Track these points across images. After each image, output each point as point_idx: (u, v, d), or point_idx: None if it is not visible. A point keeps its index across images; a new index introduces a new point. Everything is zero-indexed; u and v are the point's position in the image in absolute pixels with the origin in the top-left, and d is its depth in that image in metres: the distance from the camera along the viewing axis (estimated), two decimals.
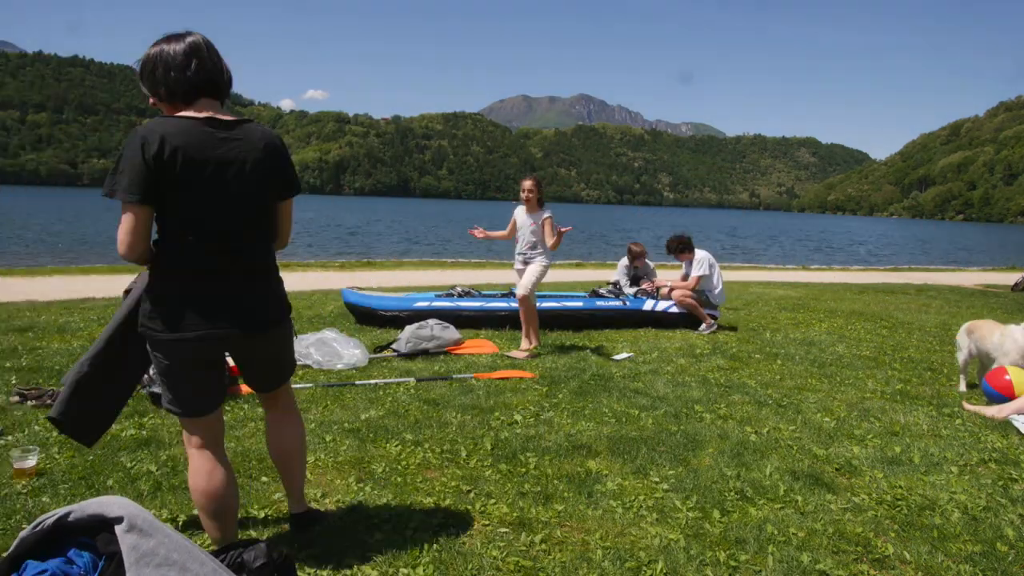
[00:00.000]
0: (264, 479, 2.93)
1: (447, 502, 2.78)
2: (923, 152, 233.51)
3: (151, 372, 3.94)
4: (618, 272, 8.01)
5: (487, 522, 2.60)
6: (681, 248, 6.98)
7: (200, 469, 2.16)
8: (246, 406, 3.90)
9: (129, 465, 3.01)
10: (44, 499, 2.65)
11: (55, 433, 3.35)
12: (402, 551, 2.35)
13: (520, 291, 5.54)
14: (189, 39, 2.03)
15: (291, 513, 2.51)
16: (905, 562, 2.39)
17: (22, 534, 1.61)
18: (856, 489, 3.00)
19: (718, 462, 3.25)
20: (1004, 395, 4.29)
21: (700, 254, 6.93)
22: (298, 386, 4.34)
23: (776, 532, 2.55)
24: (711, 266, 6.87)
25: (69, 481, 2.82)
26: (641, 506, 2.75)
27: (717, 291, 6.93)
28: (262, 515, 2.60)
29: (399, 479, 2.99)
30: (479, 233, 5.92)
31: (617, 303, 6.85)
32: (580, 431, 3.66)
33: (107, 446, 3.22)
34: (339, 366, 4.88)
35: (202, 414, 2.15)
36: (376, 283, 10.08)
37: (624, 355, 5.58)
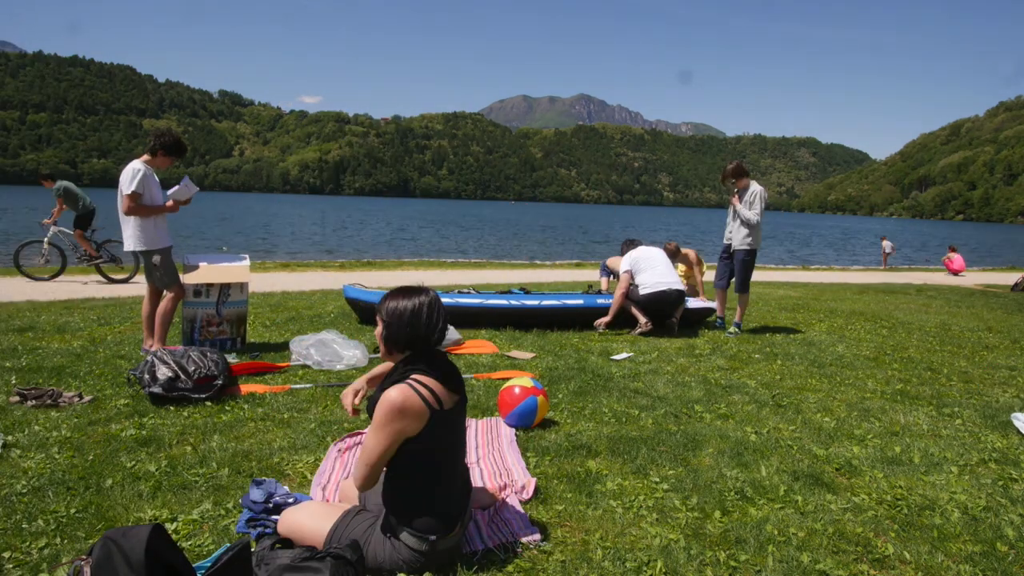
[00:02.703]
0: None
1: None
2: (923, 152, 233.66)
3: (151, 372, 3.94)
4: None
5: None
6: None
7: None
8: (246, 406, 3.90)
9: (129, 465, 3.00)
10: (45, 499, 2.65)
11: (55, 433, 3.36)
12: None
13: None
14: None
15: None
16: (905, 562, 2.39)
17: None
18: (856, 489, 3.00)
19: (718, 462, 3.25)
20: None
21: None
22: (298, 386, 4.35)
23: (776, 532, 2.55)
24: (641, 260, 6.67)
25: (69, 481, 2.81)
26: (641, 506, 2.75)
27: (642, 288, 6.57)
28: None
29: None
30: None
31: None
32: (580, 431, 3.66)
33: (107, 446, 3.22)
34: (339, 367, 4.88)
35: None
36: (376, 283, 10.08)
37: (624, 355, 5.58)
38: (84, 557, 1.83)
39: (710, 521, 2.63)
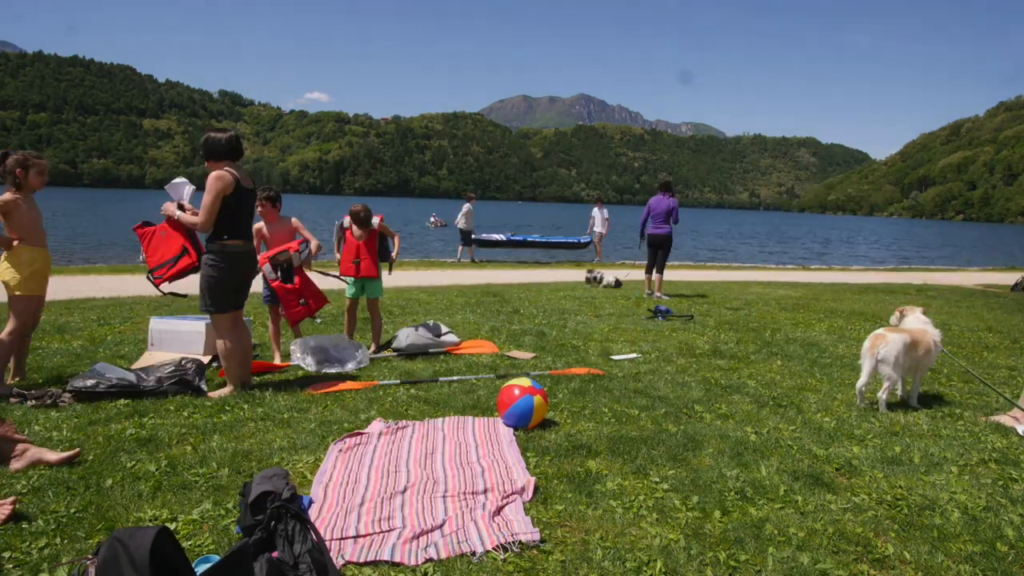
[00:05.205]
0: None
1: None
2: (923, 152, 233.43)
3: (150, 372, 3.95)
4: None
5: None
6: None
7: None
8: (246, 406, 3.90)
9: (129, 465, 3.01)
10: (45, 499, 2.65)
11: (55, 433, 3.36)
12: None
13: None
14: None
15: None
16: (905, 562, 2.39)
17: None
18: (856, 489, 3.00)
19: (718, 462, 3.25)
20: None
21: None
22: (384, 382, 4.35)
23: (776, 532, 2.55)
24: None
25: (69, 481, 2.81)
26: (641, 506, 2.75)
27: None
28: None
29: None
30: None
31: None
32: (580, 431, 3.66)
33: (107, 446, 3.22)
34: (339, 367, 4.87)
35: None
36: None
37: (624, 355, 5.58)
38: (90, 557, 1.83)
39: (710, 521, 2.63)
